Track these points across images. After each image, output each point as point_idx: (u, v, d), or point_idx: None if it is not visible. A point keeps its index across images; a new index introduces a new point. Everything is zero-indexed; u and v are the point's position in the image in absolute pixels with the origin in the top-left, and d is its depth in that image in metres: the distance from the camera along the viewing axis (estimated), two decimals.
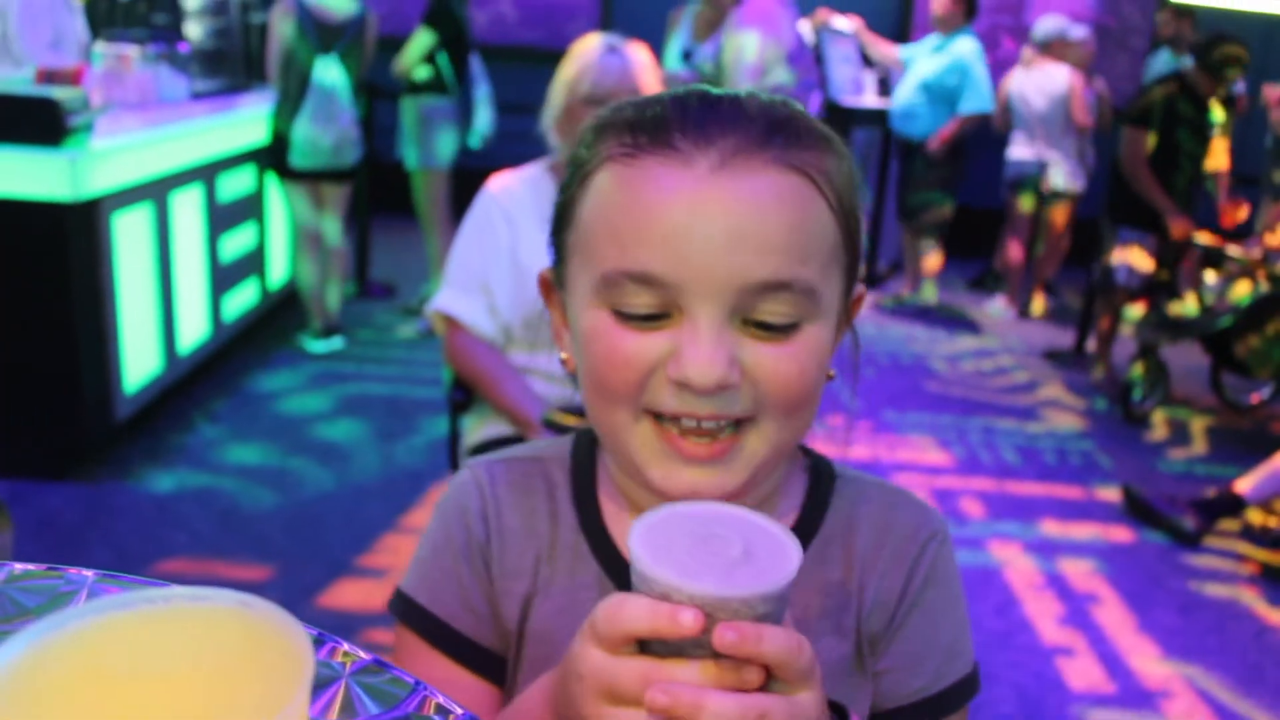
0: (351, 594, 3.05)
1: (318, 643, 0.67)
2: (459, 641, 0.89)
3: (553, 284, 0.86)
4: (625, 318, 0.74)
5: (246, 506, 3.55)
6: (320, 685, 0.64)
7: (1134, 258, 5.27)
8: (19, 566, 0.72)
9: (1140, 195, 5.26)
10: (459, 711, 0.62)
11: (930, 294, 6.90)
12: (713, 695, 0.59)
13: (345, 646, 0.66)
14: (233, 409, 4.39)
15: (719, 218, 0.71)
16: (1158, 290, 5.21)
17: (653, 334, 0.73)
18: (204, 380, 4.59)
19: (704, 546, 0.63)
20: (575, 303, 0.80)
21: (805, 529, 0.88)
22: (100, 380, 3.65)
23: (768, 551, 0.63)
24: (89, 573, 0.73)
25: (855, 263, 0.81)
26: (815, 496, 0.90)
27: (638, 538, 0.63)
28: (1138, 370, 5.12)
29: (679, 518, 0.66)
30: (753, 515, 0.67)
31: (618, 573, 0.86)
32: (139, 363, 3.91)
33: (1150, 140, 5.21)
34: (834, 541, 0.88)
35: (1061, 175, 6.57)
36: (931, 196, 6.51)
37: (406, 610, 0.90)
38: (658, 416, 0.75)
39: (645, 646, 0.62)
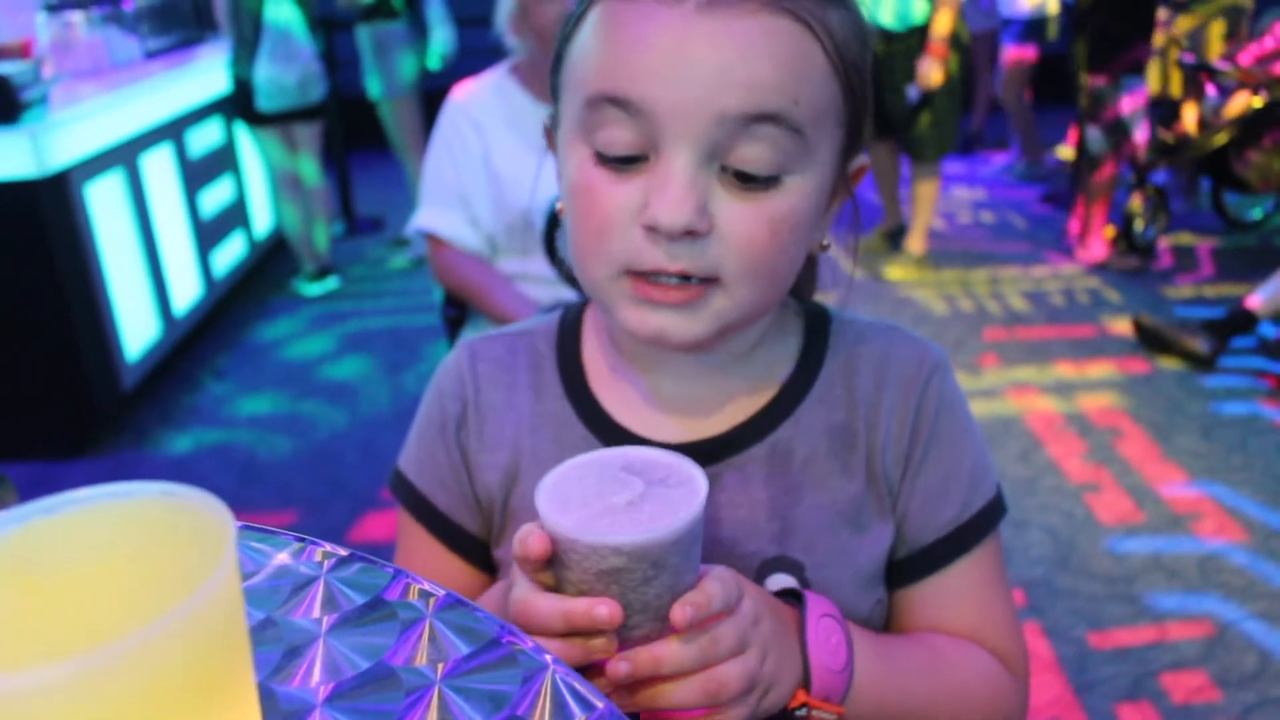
0: (379, 526, 3.08)
1: (297, 547, 0.66)
2: (439, 518, 0.92)
3: (550, 130, 0.84)
4: (603, 160, 0.73)
5: (264, 456, 3.56)
6: (302, 585, 0.63)
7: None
8: None
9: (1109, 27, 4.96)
10: (441, 593, 0.61)
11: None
12: (663, 645, 0.64)
13: (325, 546, 0.65)
14: (237, 362, 4.39)
15: (704, 53, 0.69)
16: (1153, 112, 5.08)
17: (629, 181, 0.72)
18: (204, 338, 4.58)
19: (611, 489, 0.65)
20: (562, 140, 0.79)
21: (804, 374, 0.87)
22: (101, 353, 3.64)
23: (678, 483, 0.65)
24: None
25: (859, 124, 0.78)
26: (811, 341, 0.89)
27: (542, 493, 0.65)
28: (1137, 200, 5.03)
29: (585, 466, 0.67)
30: (659, 453, 0.68)
31: (604, 434, 0.86)
32: (137, 330, 3.89)
33: None
34: (835, 384, 0.87)
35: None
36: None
37: (397, 484, 0.95)
38: (634, 273, 0.75)
39: (560, 577, 0.64)
